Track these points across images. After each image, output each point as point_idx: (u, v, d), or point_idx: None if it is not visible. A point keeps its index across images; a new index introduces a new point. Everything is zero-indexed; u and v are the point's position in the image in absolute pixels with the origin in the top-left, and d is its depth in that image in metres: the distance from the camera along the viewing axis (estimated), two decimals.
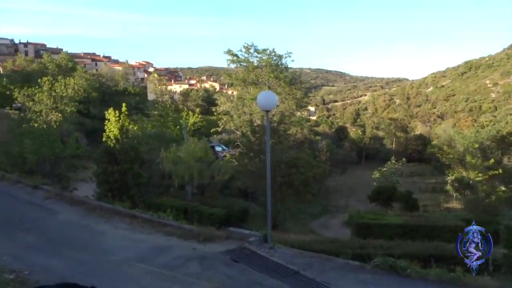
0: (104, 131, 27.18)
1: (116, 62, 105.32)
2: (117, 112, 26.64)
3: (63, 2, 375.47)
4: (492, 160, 41.54)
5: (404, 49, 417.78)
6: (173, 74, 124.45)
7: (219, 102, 43.05)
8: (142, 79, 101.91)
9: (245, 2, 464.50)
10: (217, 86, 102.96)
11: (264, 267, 8.27)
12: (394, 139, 74.84)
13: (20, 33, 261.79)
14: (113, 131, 26.33)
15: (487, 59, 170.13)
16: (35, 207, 12.13)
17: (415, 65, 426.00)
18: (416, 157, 69.99)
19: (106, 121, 27.21)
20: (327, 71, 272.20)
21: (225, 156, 35.48)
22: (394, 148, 72.58)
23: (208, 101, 74.93)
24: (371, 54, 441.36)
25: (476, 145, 43.40)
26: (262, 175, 22.38)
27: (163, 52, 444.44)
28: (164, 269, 7.85)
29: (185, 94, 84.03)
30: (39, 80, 36.34)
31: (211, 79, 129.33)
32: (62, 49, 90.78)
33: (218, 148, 39.23)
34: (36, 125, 29.53)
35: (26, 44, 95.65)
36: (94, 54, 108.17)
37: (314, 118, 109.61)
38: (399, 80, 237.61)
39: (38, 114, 34.07)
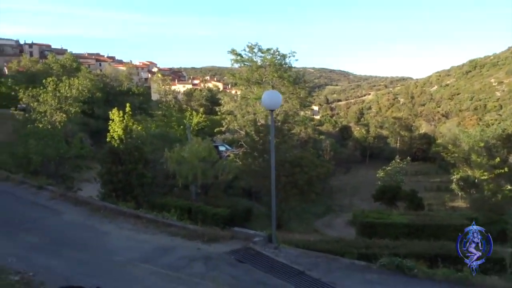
0: (108, 131, 27.23)
1: (120, 62, 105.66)
2: (121, 112, 26.66)
3: (63, 2, 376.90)
4: (497, 159, 41.26)
5: (408, 48, 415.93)
6: (176, 74, 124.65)
7: (222, 101, 43.00)
8: (146, 79, 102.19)
9: (245, 2, 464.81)
10: (220, 85, 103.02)
11: (269, 267, 8.22)
12: (399, 138, 74.48)
13: (20, 33, 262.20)
14: (117, 131, 26.36)
15: (492, 57, 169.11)
16: (40, 208, 12.15)
17: (419, 64, 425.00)
18: (421, 156, 69.61)
19: (110, 121, 27.25)
20: (331, 71, 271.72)
21: (228, 155, 35.43)
22: (398, 147, 72.24)
23: (212, 100, 74.97)
24: (375, 53, 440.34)
25: (482, 144, 43.10)
26: (266, 175, 22.37)
27: (166, 52, 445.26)
28: (168, 270, 7.82)
29: (189, 94, 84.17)
30: (43, 80, 36.46)
31: (215, 79, 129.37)
32: (66, 50, 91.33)
33: (221, 148, 39.18)
34: (40, 125, 29.65)
35: (31, 45, 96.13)
36: (98, 54, 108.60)
37: (317, 117, 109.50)
38: (403, 79, 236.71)
39: (42, 114, 34.19)
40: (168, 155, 21.75)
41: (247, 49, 39.03)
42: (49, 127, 30.28)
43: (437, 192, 48.55)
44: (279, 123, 29.55)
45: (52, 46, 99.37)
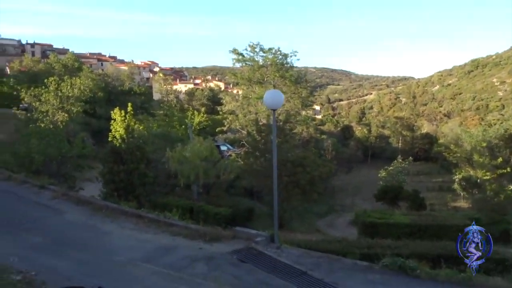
0: (110, 131, 27.15)
1: (122, 62, 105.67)
2: (122, 111, 26.61)
3: (65, 2, 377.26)
4: (500, 159, 41.08)
5: (410, 47, 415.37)
6: (178, 74, 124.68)
7: (224, 101, 43.03)
8: (148, 78, 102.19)
9: (245, 1, 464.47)
10: (222, 85, 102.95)
11: (272, 268, 8.20)
12: (400, 138, 74.35)
13: (22, 33, 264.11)
14: (119, 131, 26.30)
15: (494, 57, 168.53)
16: (42, 207, 12.16)
17: (421, 64, 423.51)
18: (423, 156, 69.45)
19: (112, 121, 27.20)
20: (332, 70, 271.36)
21: (230, 155, 35.43)
22: (400, 147, 72.09)
23: (213, 100, 74.89)
24: (377, 53, 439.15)
25: (484, 144, 42.95)
26: (268, 174, 22.33)
27: (167, 52, 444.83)
28: (170, 270, 7.81)
29: (190, 93, 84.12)
30: (45, 80, 36.46)
31: (216, 79, 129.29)
32: (68, 50, 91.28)
33: (223, 148, 39.19)
34: (42, 125, 29.67)
35: (33, 45, 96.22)
36: (100, 54, 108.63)
37: (319, 117, 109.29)
38: (405, 78, 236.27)
39: (44, 114, 34.18)
40: (170, 154, 21.75)
41: (249, 49, 39.09)
42: (51, 126, 30.27)
43: (439, 192, 48.49)
44: (281, 123, 29.56)
45: (54, 46, 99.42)
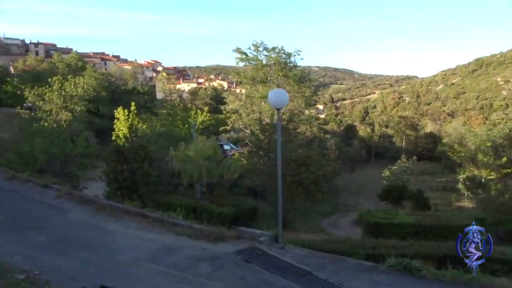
0: (114, 130, 27.29)
1: (125, 61, 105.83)
2: (126, 111, 26.71)
3: (69, 2, 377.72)
4: (504, 159, 40.95)
5: (414, 46, 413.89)
6: (181, 73, 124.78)
7: (227, 100, 42.97)
8: (151, 78, 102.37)
9: (246, 1, 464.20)
10: (225, 84, 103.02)
11: (276, 268, 8.14)
12: (404, 137, 74.17)
13: (26, 32, 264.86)
14: (122, 130, 26.41)
15: (498, 56, 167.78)
16: (45, 206, 12.15)
17: (424, 63, 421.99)
18: (427, 155, 69.28)
19: (116, 120, 27.31)
20: (336, 69, 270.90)
21: (233, 154, 35.39)
22: (404, 146, 71.93)
23: (217, 99, 74.93)
24: (380, 52, 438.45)
25: (488, 143, 42.79)
26: (271, 174, 22.31)
27: (171, 51, 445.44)
28: (174, 269, 7.77)
29: (194, 92, 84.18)
30: (49, 79, 36.58)
31: (220, 78, 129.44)
32: (72, 49, 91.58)
33: (226, 147, 39.15)
34: (46, 124, 29.77)
35: (36, 44, 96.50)
36: (103, 53, 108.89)
37: (322, 116, 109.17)
38: (408, 77, 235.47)
39: (48, 113, 34.30)
40: (173, 154, 21.71)
41: (252, 48, 39.02)
42: (55, 125, 30.40)
43: (443, 191, 48.28)
44: (284, 122, 29.51)
45: (58, 46, 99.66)
